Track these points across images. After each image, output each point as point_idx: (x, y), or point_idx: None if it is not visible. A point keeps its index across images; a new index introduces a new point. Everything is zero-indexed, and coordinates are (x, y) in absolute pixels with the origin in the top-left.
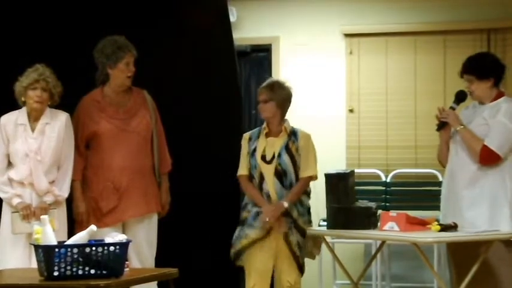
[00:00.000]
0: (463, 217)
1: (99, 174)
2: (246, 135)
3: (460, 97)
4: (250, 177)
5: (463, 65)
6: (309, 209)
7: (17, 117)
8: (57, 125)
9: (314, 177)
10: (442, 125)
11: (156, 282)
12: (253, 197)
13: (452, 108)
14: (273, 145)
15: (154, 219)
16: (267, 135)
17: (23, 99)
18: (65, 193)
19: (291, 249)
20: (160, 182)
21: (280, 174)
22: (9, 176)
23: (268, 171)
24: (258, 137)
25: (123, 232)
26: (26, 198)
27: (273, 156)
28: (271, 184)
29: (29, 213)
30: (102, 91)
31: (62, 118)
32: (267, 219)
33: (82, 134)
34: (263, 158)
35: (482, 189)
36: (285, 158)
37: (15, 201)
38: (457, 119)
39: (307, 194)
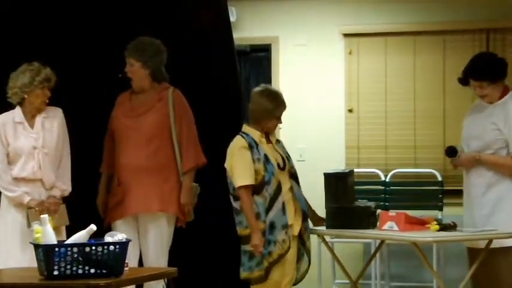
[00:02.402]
0: (485, 222)
1: (115, 171)
2: (245, 144)
3: (452, 154)
4: (262, 185)
5: (473, 71)
6: None
7: (13, 116)
8: (55, 120)
9: None
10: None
11: (162, 280)
12: (251, 216)
13: (458, 156)
14: (275, 151)
15: (166, 219)
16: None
17: (25, 96)
18: (69, 187)
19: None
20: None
21: (295, 177)
22: (13, 175)
23: (284, 177)
24: (256, 144)
25: (137, 229)
26: (35, 195)
27: (284, 162)
28: (288, 189)
29: (43, 209)
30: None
31: (59, 114)
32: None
33: (109, 129)
34: (277, 165)
35: (500, 194)
36: (291, 160)
37: (27, 198)
38: (469, 159)
39: None
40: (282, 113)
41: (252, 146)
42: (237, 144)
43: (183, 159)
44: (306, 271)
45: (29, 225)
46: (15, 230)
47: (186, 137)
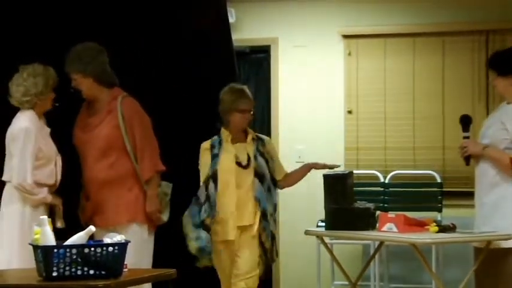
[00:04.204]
0: (485, 222)
1: (84, 186)
2: (207, 144)
3: (465, 122)
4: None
5: (489, 58)
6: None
7: (35, 121)
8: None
9: None
10: (468, 159)
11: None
12: None
13: (467, 137)
14: (244, 150)
15: (138, 226)
16: (233, 141)
17: (39, 102)
18: None
19: (265, 255)
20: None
21: (260, 177)
22: (40, 181)
23: (245, 175)
24: (220, 144)
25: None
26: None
27: (249, 160)
28: (249, 188)
29: (61, 208)
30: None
31: (44, 120)
32: None
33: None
34: (238, 164)
35: (501, 195)
36: (261, 160)
37: (49, 197)
38: (476, 144)
39: None
40: (243, 106)
41: (214, 146)
42: (202, 146)
43: (141, 169)
44: (262, 272)
45: (59, 223)
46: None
47: (139, 147)
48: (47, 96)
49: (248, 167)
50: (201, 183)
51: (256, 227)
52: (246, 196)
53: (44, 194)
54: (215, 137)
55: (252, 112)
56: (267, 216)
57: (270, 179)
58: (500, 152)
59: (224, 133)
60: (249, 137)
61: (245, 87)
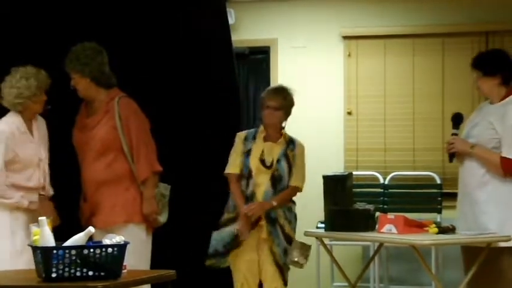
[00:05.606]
0: (476, 222)
1: (82, 186)
2: (242, 134)
3: (457, 120)
4: (240, 176)
5: (472, 59)
6: (295, 216)
7: (16, 125)
8: (42, 128)
9: (300, 189)
10: (452, 156)
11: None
12: (237, 199)
13: (455, 134)
14: (271, 150)
15: (135, 227)
16: (265, 139)
17: (34, 103)
18: (52, 190)
19: (274, 259)
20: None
21: (275, 180)
22: (18, 183)
23: (264, 175)
24: (254, 138)
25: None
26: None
27: (273, 161)
28: (263, 188)
29: (46, 211)
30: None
31: (44, 123)
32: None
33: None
34: (262, 162)
35: (491, 194)
36: (284, 164)
37: (26, 202)
38: (464, 142)
39: (294, 201)
40: (269, 102)
41: (248, 139)
42: (237, 135)
43: (137, 170)
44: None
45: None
46: (15, 234)
47: (135, 147)
48: (39, 99)
49: (271, 167)
50: (226, 171)
51: (263, 229)
52: (260, 198)
53: (17, 198)
54: (252, 130)
55: (284, 111)
56: (274, 221)
57: (288, 182)
58: (489, 152)
59: (260, 129)
60: (281, 139)
61: (284, 87)
